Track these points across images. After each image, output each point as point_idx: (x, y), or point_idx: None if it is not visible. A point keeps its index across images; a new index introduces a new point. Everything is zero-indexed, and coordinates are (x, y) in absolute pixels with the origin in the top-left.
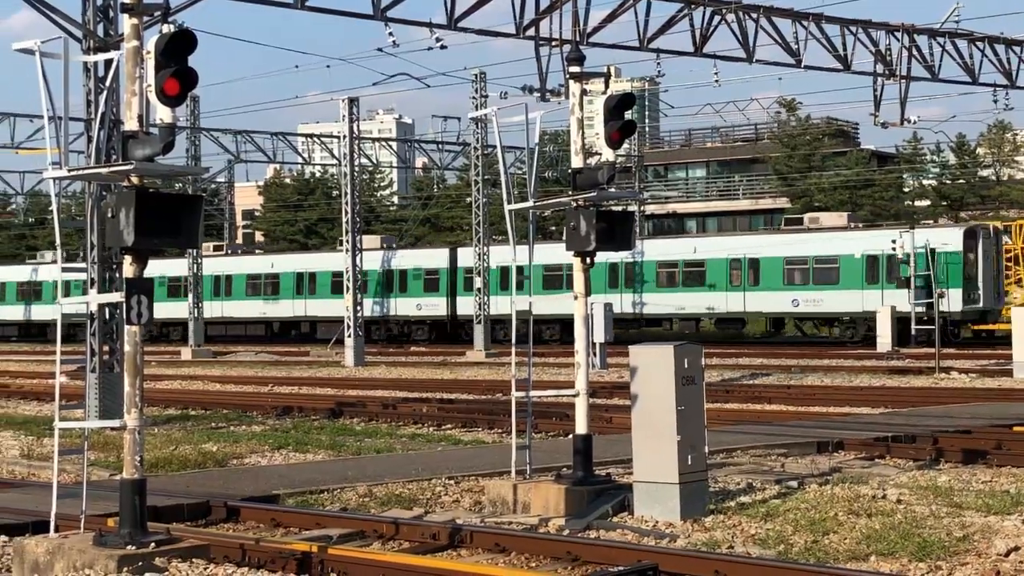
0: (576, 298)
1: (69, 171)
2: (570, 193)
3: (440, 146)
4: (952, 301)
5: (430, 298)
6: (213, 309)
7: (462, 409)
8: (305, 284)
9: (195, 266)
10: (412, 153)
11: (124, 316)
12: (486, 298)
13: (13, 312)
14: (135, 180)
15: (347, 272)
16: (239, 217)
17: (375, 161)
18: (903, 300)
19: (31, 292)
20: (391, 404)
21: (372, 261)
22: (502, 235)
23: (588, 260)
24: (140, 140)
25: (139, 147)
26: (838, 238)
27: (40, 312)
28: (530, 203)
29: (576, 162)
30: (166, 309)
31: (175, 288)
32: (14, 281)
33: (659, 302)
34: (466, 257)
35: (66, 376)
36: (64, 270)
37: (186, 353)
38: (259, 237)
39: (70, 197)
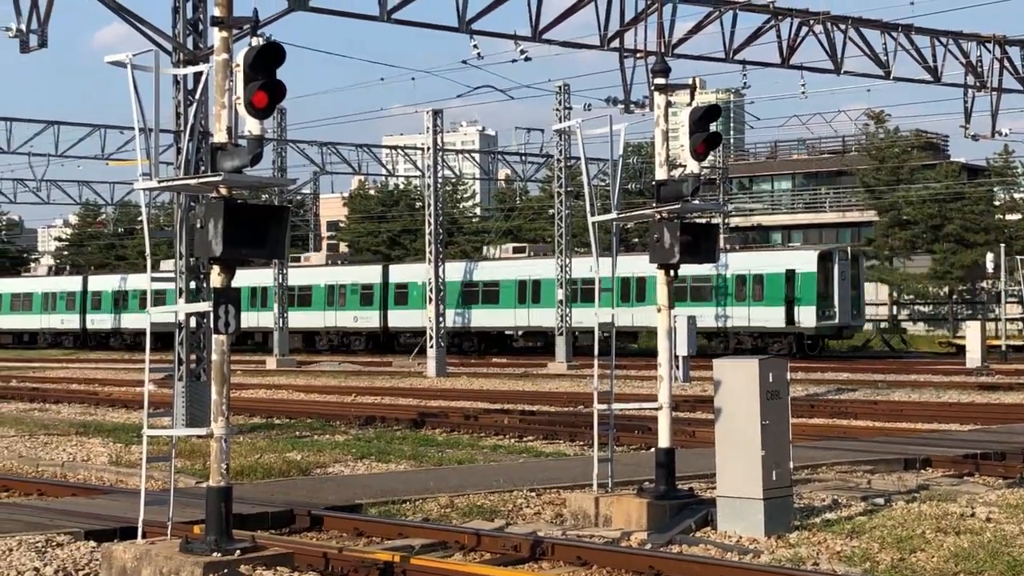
0: (659, 311)
1: (159, 182)
2: (654, 205)
3: (523, 158)
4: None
5: (365, 311)
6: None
7: (544, 421)
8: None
9: (280, 276)
10: (495, 165)
11: (211, 325)
12: (568, 310)
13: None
14: (223, 191)
15: (429, 283)
16: (324, 228)
17: (458, 173)
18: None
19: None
20: (473, 415)
21: (317, 277)
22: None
23: (672, 273)
24: (228, 152)
25: (227, 159)
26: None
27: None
28: (613, 215)
29: (660, 174)
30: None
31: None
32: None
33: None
34: (397, 273)
35: (154, 384)
36: (153, 280)
37: (271, 362)
38: (343, 248)
39: (159, 208)
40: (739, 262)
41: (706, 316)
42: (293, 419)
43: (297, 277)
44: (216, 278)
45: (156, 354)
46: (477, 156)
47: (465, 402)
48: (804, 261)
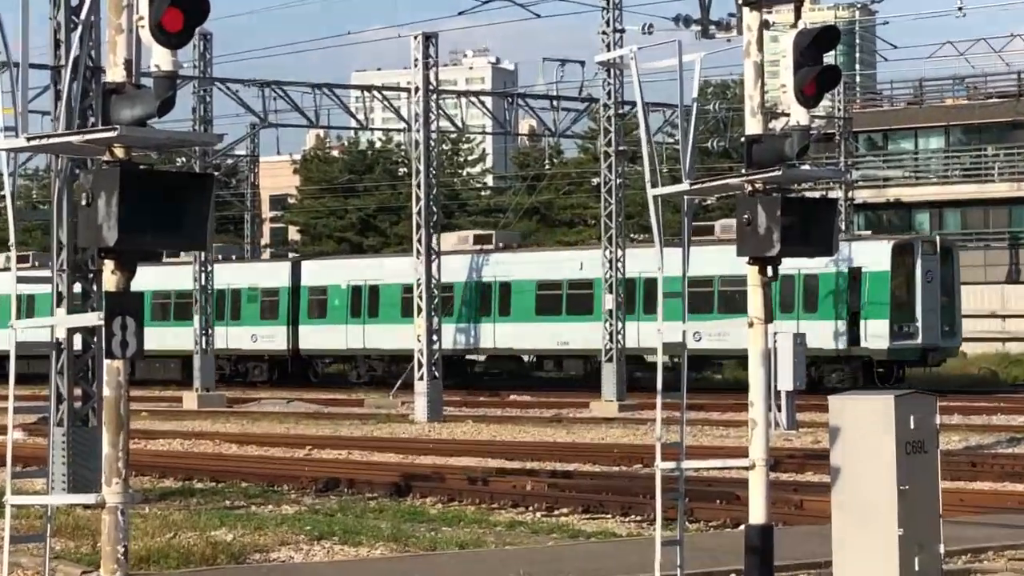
0: (751, 325)
1: (27, 139)
2: (744, 172)
3: (554, 104)
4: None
5: (267, 327)
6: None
7: (584, 487)
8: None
9: (203, 276)
10: (514, 113)
11: (103, 346)
12: (620, 324)
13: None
14: (120, 152)
15: (419, 287)
16: (266, 206)
17: (461, 124)
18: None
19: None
20: (481, 478)
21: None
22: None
23: (769, 270)
24: (128, 96)
25: (126, 106)
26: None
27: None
28: (684, 186)
29: (752, 127)
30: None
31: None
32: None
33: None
34: (312, 273)
35: (21, 432)
36: (20, 280)
37: (189, 400)
38: (293, 234)
39: (30, 177)
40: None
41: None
42: (222, 482)
43: (171, 279)
44: (110, 278)
45: (24, 387)
46: (489, 101)
47: (470, 459)
48: (873, 256)
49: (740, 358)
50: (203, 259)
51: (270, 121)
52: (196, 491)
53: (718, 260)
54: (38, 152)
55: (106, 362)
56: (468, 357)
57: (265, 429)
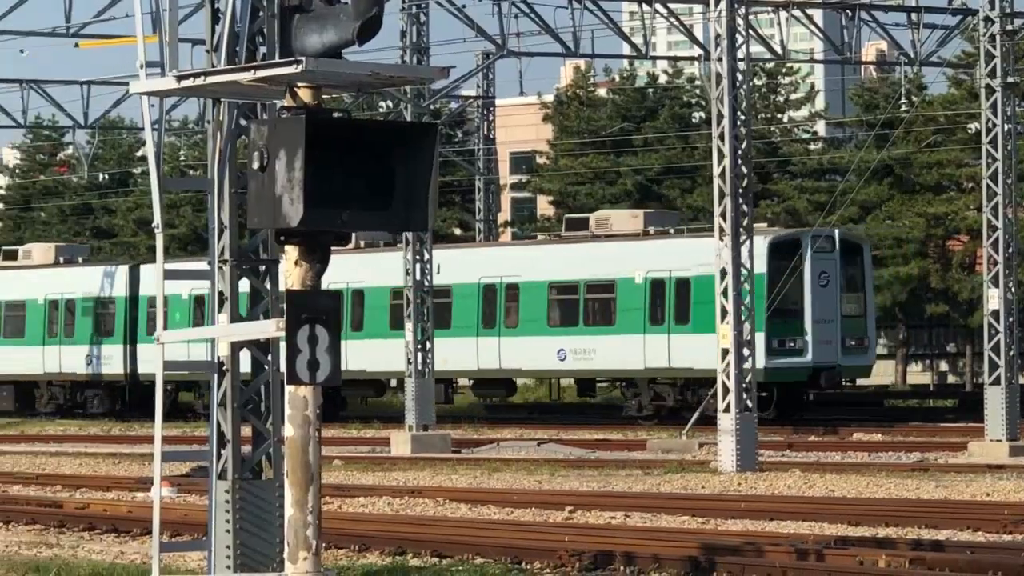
0: None
1: (177, 79)
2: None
3: (914, 18)
4: None
5: (105, 346)
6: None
7: (960, 564)
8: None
9: (418, 268)
10: (856, 33)
11: (285, 368)
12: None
13: (73, 358)
14: (305, 96)
15: (723, 281)
16: (504, 167)
17: (780, 50)
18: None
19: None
20: (813, 550)
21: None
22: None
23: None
24: (316, 16)
25: (314, 29)
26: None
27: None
28: None
29: None
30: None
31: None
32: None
33: None
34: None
35: (169, 487)
36: (168, 276)
37: (400, 442)
38: (544, 206)
39: (175, 132)
40: (652, 256)
41: (572, 347)
42: (447, 557)
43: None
44: (293, 271)
45: (171, 424)
46: (818, 15)
47: (797, 523)
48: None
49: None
50: (419, 244)
51: (510, 49)
52: (411, 570)
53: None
54: (190, 96)
55: (288, 390)
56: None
57: (507, 483)
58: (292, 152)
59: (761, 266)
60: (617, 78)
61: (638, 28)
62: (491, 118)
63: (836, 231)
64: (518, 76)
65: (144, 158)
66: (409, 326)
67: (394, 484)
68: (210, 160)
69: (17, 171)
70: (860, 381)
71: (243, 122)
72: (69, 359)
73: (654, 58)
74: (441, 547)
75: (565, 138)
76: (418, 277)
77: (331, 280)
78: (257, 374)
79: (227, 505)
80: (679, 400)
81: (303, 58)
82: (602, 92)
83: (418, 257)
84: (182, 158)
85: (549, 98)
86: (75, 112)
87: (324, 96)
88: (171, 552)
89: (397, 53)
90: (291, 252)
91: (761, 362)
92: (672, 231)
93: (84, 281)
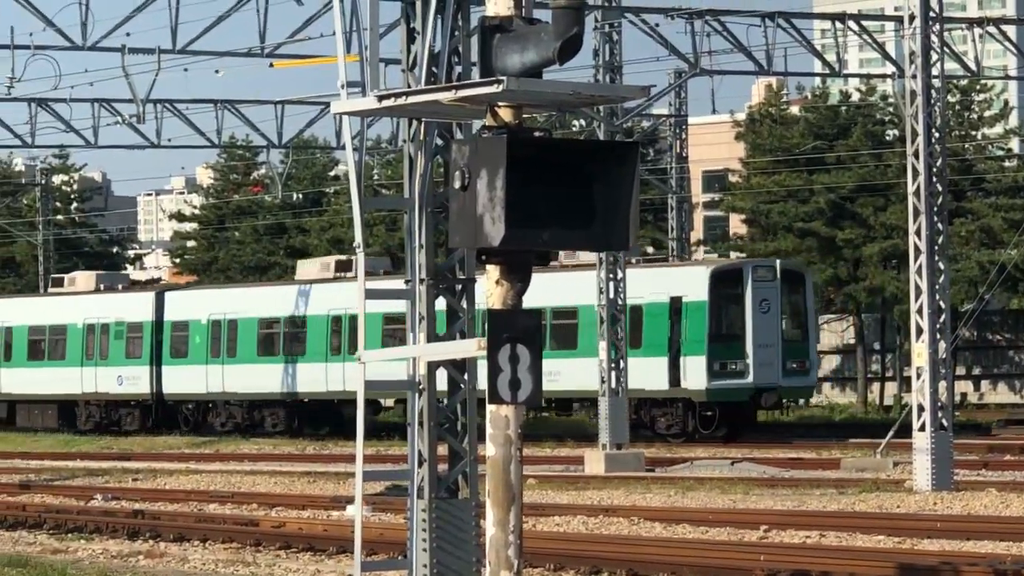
0: None
1: (378, 98)
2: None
3: None
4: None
5: (132, 367)
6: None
7: None
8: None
9: (612, 288)
10: None
11: (487, 387)
12: None
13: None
14: (506, 115)
15: (918, 300)
16: (697, 186)
17: (975, 66)
18: None
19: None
20: (1013, 571)
21: (72, 311)
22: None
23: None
24: (517, 36)
25: (514, 49)
26: None
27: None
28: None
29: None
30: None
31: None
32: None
33: None
34: (176, 306)
35: (365, 505)
36: (370, 296)
37: (594, 461)
38: (736, 224)
39: (369, 151)
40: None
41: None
42: None
43: (47, 312)
44: (494, 290)
45: (367, 444)
46: (1012, 31)
47: (995, 543)
48: (691, 284)
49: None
50: (611, 262)
51: (702, 67)
52: None
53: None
54: (390, 115)
55: (489, 409)
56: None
57: (702, 502)
58: (493, 171)
59: (703, 294)
60: (809, 96)
61: (831, 46)
62: (683, 136)
63: (777, 261)
64: (710, 94)
65: (337, 177)
66: (603, 345)
67: (588, 503)
68: (406, 179)
69: (211, 191)
70: None
71: (439, 141)
72: (104, 380)
73: (847, 75)
74: (636, 566)
75: (757, 156)
76: (611, 295)
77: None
78: (453, 393)
79: (424, 524)
80: (633, 418)
81: (504, 78)
82: (795, 110)
83: (611, 275)
84: (375, 177)
85: (741, 116)
86: (269, 132)
87: (524, 116)
88: (371, 571)
89: (586, 72)
90: (492, 271)
91: (703, 383)
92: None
93: (116, 307)
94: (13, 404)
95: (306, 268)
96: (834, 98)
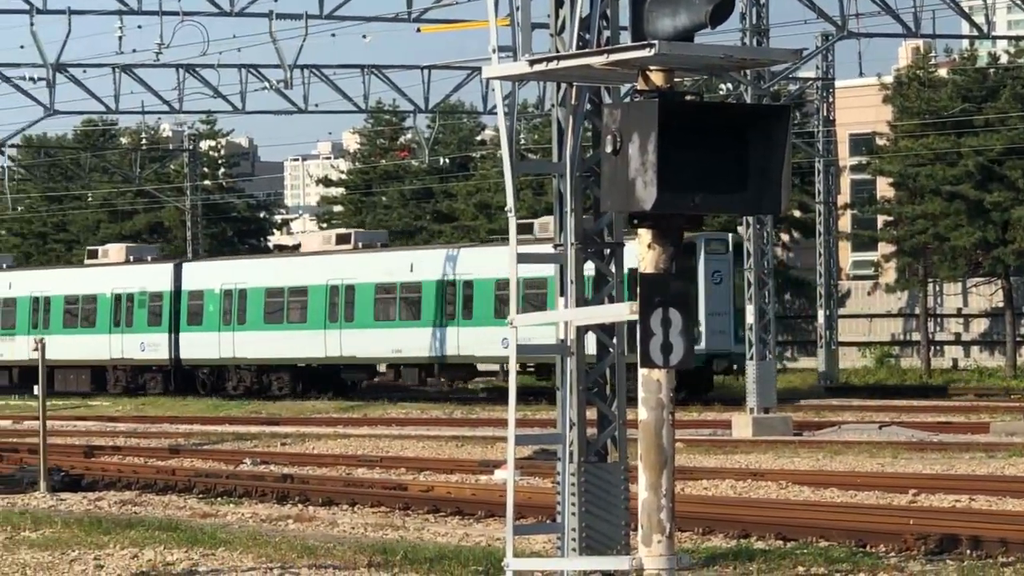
0: None
1: (530, 62)
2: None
3: None
4: None
5: (153, 335)
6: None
7: None
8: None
9: (759, 254)
10: None
11: (639, 350)
12: None
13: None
14: (657, 79)
15: None
16: (844, 149)
17: None
18: None
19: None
20: None
21: (99, 282)
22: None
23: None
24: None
25: (666, 12)
26: None
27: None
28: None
29: None
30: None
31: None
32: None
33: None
34: (192, 275)
35: (518, 471)
36: (522, 259)
37: (742, 425)
38: (883, 187)
39: (520, 113)
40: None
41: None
42: (791, 540)
43: (82, 282)
44: (646, 254)
45: (522, 408)
46: None
47: None
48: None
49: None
50: (759, 227)
51: (849, 30)
52: (756, 553)
53: None
54: (542, 80)
55: (641, 373)
56: None
57: (850, 466)
58: (645, 135)
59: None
60: (957, 58)
61: (979, 7)
62: (831, 100)
63: (730, 235)
64: (857, 57)
65: (483, 142)
66: (750, 308)
67: (736, 467)
68: (555, 143)
69: (358, 155)
70: None
71: (592, 104)
72: (129, 346)
73: (995, 37)
74: (785, 530)
75: (905, 119)
76: (763, 255)
77: (329, 278)
78: (602, 357)
79: (573, 488)
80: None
81: (656, 42)
82: (942, 72)
83: (760, 239)
84: (522, 142)
85: (889, 79)
86: (416, 96)
87: (675, 79)
88: (521, 536)
89: (730, 36)
90: (644, 235)
91: None
92: None
93: (140, 277)
94: (52, 369)
95: (309, 240)
96: (982, 60)
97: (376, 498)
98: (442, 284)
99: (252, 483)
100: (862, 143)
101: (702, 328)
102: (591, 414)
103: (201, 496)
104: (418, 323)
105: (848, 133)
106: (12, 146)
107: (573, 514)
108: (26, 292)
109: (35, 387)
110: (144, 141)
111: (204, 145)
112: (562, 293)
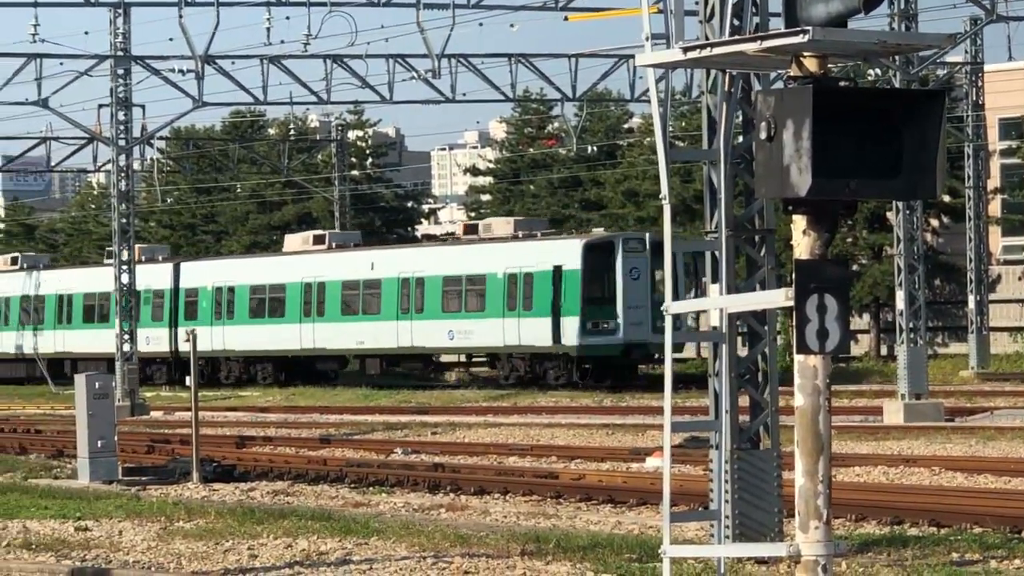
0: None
1: (683, 49)
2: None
3: None
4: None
5: (156, 329)
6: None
7: None
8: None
9: (909, 240)
10: None
11: (795, 337)
12: None
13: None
14: (811, 65)
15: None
16: (994, 133)
17: None
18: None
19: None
20: None
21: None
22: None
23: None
24: None
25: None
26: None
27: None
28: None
29: None
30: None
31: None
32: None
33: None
34: (189, 273)
35: (659, 457)
36: (676, 248)
37: (893, 411)
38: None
39: (681, 102)
40: (515, 255)
41: (457, 328)
42: (945, 527)
43: (99, 281)
44: (801, 240)
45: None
46: None
47: None
48: (568, 255)
49: None
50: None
51: (999, 13)
52: (910, 539)
53: None
54: (695, 67)
55: (798, 359)
56: None
57: (1003, 451)
58: (799, 122)
59: (576, 263)
60: None
61: None
62: (980, 84)
63: (647, 234)
64: (1006, 41)
65: (631, 130)
66: (900, 294)
67: (888, 453)
68: (705, 131)
69: (506, 144)
70: None
71: (744, 91)
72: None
73: None
74: (938, 516)
75: None
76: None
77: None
78: (754, 344)
79: (725, 475)
80: (528, 373)
81: (810, 28)
82: None
83: (910, 222)
84: (670, 130)
85: None
86: (563, 85)
87: (830, 65)
88: (675, 523)
89: (877, 21)
90: (799, 222)
91: (576, 340)
92: (539, 234)
93: (146, 276)
94: (75, 362)
95: (291, 241)
96: None
97: (528, 486)
98: (399, 281)
99: (403, 472)
100: (1012, 127)
101: (620, 320)
102: (743, 401)
103: (353, 486)
104: (379, 317)
105: (997, 117)
106: (162, 138)
107: (726, 501)
108: (52, 291)
109: (187, 378)
110: (292, 132)
111: (352, 135)
112: (715, 280)
